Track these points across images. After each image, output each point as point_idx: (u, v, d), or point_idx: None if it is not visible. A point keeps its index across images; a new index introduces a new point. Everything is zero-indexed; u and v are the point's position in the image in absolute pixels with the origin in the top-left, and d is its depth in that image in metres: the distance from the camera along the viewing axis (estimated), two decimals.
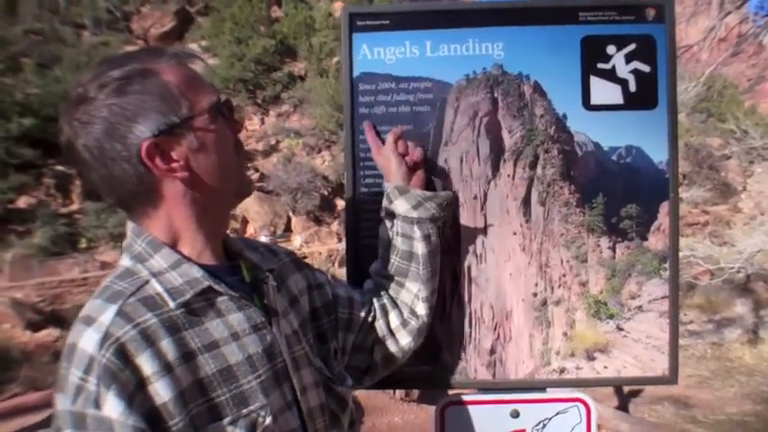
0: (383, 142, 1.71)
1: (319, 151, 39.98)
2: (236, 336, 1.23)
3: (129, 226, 1.27)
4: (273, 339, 1.29)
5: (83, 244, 34.12)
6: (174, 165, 1.22)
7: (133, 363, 1.07)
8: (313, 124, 41.07)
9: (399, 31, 1.79)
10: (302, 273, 1.55)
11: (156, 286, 1.18)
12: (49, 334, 24.14)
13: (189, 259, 1.25)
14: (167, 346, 1.12)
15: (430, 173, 1.75)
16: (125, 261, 1.24)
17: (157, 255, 1.22)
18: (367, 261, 1.75)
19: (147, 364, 1.08)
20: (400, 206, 1.61)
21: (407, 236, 1.62)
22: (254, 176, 34.54)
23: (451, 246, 1.77)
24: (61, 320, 25.13)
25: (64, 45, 49.19)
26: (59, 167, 38.03)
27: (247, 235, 34.20)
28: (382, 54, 1.79)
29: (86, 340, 1.08)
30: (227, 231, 1.42)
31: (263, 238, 28.80)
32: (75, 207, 36.68)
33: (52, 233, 33.24)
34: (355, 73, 1.80)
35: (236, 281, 1.32)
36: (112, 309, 1.12)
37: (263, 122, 43.39)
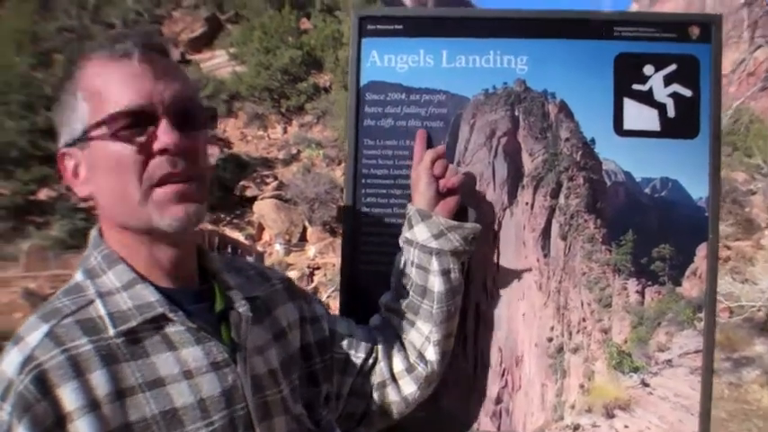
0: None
1: (339, 163, 39.94)
2: (188, 374, 1.05)
3: (92, 233, 1.16)
4: (236, 380, 1.10)
5: None
6: (77, 181, 1.11)
7: (53, 394, 0.94)
8: (335, 136, 41.08)
9: (413, 37, 1.61)
10: (296, 303, 1.36)
11: (99, 308, 1.04)
12: None
13: (145, 279, 1.09)
14: (99, 378, 0.97)
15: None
16: (77, 275, 1.11)
17: (111, 271, 1.09)
18: (364, 290, 1.57)
19: (70, 397, 0.94)
20: (420, 233, 1.41)
21: (424, 268, 1.41)
22: (273, 184, 34.67)
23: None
24: None
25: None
26: None
27: (262, 242, 34.17)
28: (393, 62, 1.62)
29: (8, 361, 0.97)
30: (207, 247, 1.25)
31: (278, 247, 28.75)
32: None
33: (70, 226, 33.39)
34: (363, 81, 1.62)
35: (203, 308, 1.15)
36: (43, 329, 0.99)
37: (285, 131, 43.54)
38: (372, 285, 1.57)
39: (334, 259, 29.50)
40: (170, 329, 1.06)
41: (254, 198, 38.09)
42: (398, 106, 1.60)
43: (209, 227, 34.11)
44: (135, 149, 1.04)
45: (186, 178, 1.07)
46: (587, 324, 1.57)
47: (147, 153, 1.04)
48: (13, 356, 0.97)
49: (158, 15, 56.82)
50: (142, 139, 1.04)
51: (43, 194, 35.55)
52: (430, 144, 1.58)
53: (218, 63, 52.88)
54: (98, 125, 1.04)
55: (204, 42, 57.11)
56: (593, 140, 1.58)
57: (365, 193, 1.61)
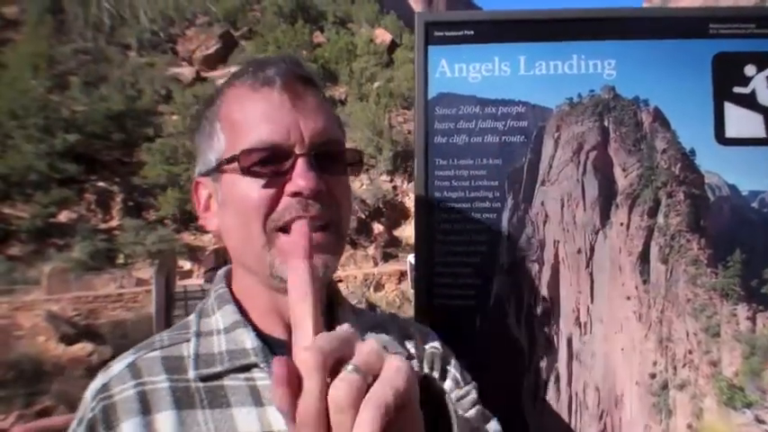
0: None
1: (357, 174, 39.92)
2: None
3: (220, 270, 1.10)
4: None
5: (120, 260, 34.46)
6: (207, 213, 1.04)
7: (116, 428, 0.89)
8: (353, 148, 41.10)
9: (486, 43, 1.46)
10: (435, 373, 1.13)
11: (190, 348, 0.98)
12: (82, 348, 24.27)
13: (251, 324, 1.00)
14: (166, 419, 0.90)
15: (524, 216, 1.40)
16: (194, 312, 1.07)
17: (219, 311, 1.03)
18: (442, 326, 1.41)
19: None
20: None
21: None
22: None
23: (548, 311, 1.41)
24: (95, 335, 25.27)
25: (110, 65, 50.21)
26: (101, 183, 38.64)
27: None
28: (465, 71, 1.46)
29: (93, 385, 0.95)
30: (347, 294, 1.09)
31: None
32: (114, 223, 37.16)
33: (91, 248, 33.67)
34: (431, 93, 1.47)
35: None
36: (128, 359, 0.97)
37: None
38: (450, 322, 1.41)
39: (356, 271, 29.41)
40: (261, 382, 0.95)
41: None
42: (472, 120, 1.45)
43: None
44: (265, 189, 0.95)
45: (318, 226, 0.95)
46: (694, 357, 1.40)
47: (278, 194, 0.95)
48: (97, 381, 0.96)
49: (173, 34, 57.33)
50: (275, 178, 0.95)
51: (63, 216, 35.81)
52: (511, 160, 1.42)
53: None
54: (231, 160, 0.96)
55: (218, 59, 57.56)
56: (692, 151, 1.42)
57: (439, 219, 1.45)
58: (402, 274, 29.22)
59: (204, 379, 0.94)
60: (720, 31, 1.43)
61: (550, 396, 1.42)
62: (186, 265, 33.37)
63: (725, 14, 1.44)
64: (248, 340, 0.97)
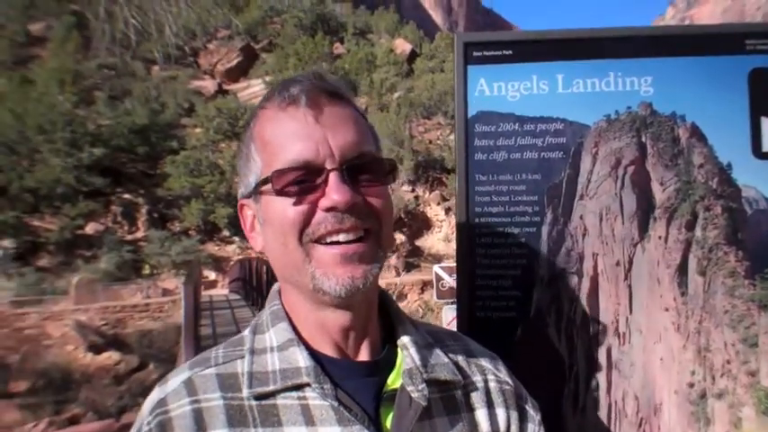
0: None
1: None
2: None
3: (274, 287, 1.10)
4: None
5: (146, 270, 34.77)
6: (253, 233, 1.05)
7: None
8: None
9: (525, 62, 1.50)
10: (509, 412, 1.11)
11: (245, 365, 0.98)
12: (109, 357, 24.51)
13: (304, 342, 1.00)
14: None
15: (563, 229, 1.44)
16: (247, 328, 1.07)
17: (273, 329, 1.02)
18: (483, 337, 1.45)
19: None
20: None
21: None
22: None
23: (588, 322, 1.45)
24: (122, 344, 25.53)
25: (134, 79, 50.79)
26: (126, 196, 39.09)
27: None
28: (504, 90, 1.50)
29: (149, 399, 0.97)
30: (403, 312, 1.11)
31: None
32: (140, 234, 37.54)
33: (117, 259, 34.04)
34: (471, 112, 1.51)
35: (370, 384, 1.00)
36: (184, 375, 0.98)
37: None
38: (491, 333, 1.45)
39: (379, 281, 29.39)
40: (314, 402, 0.95)
41: None
42: (512, 137, 1.49)
43: (254, 253, 34.32)
44: (299, 206, 0.96)
45: (356, 235, 0.96)
46: (732, 366, 1.43)
47: (312, 209, 0.96)
48: (153, 396, 0.97)
49: (195, 48, 57.83)
50: (308, 195, 0.96)
51: (90, 228, 36.22)
52: (550, 176, 1.46)
53: (254, 92, 53.50)
54: (266, 181, 0.97)
55: (240, 72, 58.00)
56: (729, 165, 1.45)
57: (480, 233, 1.49)
58: (425, 284, 29.21)
59: (258, 397, 0.95)
60: (758, 46, 1.46)
61: (590, 405, 1.45)
62: (211, 275, 33.63)
63: (761, 30, 1.48)
64: (301, 359, 0.97)
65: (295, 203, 0.95)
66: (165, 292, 30.83)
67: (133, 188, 39.80)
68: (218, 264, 35.39)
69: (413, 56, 58.67)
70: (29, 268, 33.44)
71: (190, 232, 37.31)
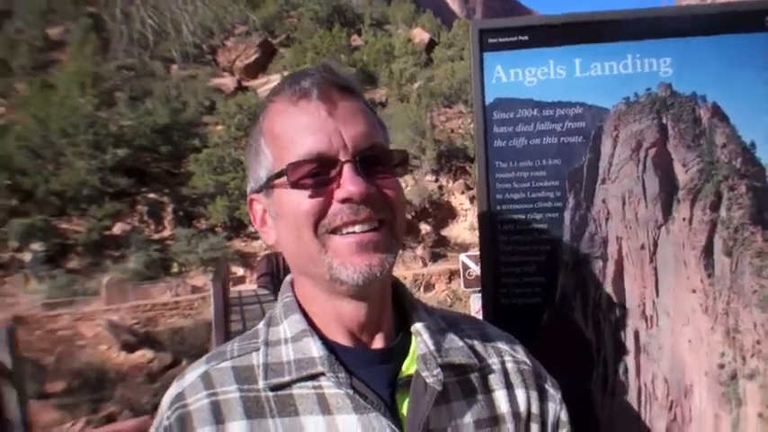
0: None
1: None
2: None
3: (286, 279, 1.11)
4: None
5: (174, 268, 35.07)
6: (264, 228, 1.07)
7: None
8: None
9: (541, 47, 1.49)
10: (529, 392, 1.11)
11: (260, 357, 1.00)
12: (143, 355, 24.79)
13: (318, 332, 1.01)
14: (237, 428, 0.94)
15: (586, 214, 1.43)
16: (262, 320, 1.08)
17: (286, 320, 1.03)
18: (508, 325, 1.45)
19: None
20: None
21: None
22: None
23: (614, 305, 1.44)
24: (154, 342, 25.81)
25: (154, 79, 51.11)
26: (152, 195, 39.45)
27: None
28: (521, 76, 1.50)
29: (168, 394, 1.00)
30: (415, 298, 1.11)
31: None
32: (167, 233, 37.87)
33: (146, 258, 34.37)
34: (488, 99, 1.51)
35: (385, 371, 1.01)
36: (201, 369, 1.00)
37: None
38: (516, 320, 1.45)
39: (406, 272, 29.43)
40: (329, 390, 0.96)
41: None
42: (531, 123, 1.48)
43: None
44: (314, 198, 0.96)
45: (371, 226, 0.97)
46: (762, 347, 1.42)
47: (327, 201, 0.96)
48: (171, 391, 0.99)
49: (213, 46, 58.04)
50: (323, 187, 0.96)
51: (118, 229, 36.59)
52: (570, 161, 1.45)
53: (273, 87, 53.46)
54: (279, 175, 0.98)
55: (259, 68, 58.11)
56: (752, 144, 1.43)
57: (502, 220, 1.49)
58: (452, 274, 29.16)
59: (273, 388, 0.96)
60: None
61: (619, 388, 1.44)
62: (239, 271, 33.84)
63: None
64: (315, 349, 0.98)
65: (310, 196, 0.96)
66: (195, 290, 31.08)
67: (158, 187, 40.12)
68: (245, 259, 35.57)
69: (431, 45, 58.36)
70: (59, 270, 33.89)
71: (216, 229, 37.56)
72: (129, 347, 25.15)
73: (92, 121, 37.84)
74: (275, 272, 23.17)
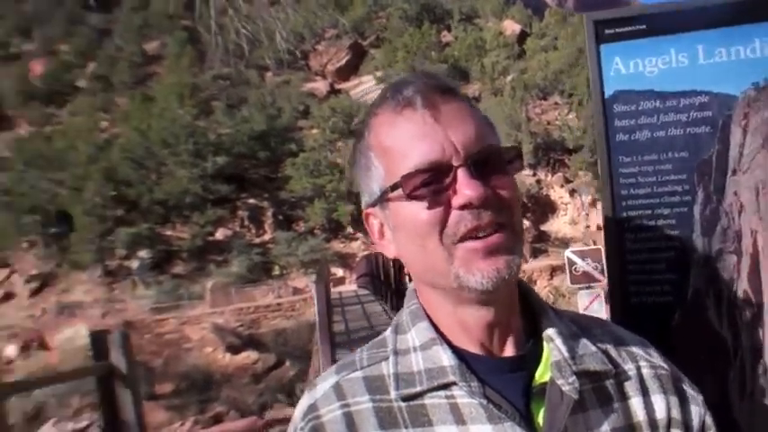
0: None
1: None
2: None
3: (410, 286, 1.09)
4: None
5: (276, 271, 35.96)
6: (383, 241, 1.04)
7: None
8: None
9: (660, 36, 1.43)
10: (668, 397, 1.06)
11: (389, 366, 0.99)
12: (247, 357, 25.49)
13: (446, 341, 0.99)
14: None
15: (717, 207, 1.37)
16: (388, 329, 1.07)
17: (414, 328, 1.02)
18: (637, 325, 1.40)
19: None
20: None
21: None
22: None
23: (751, 302, 1.37)
24: (258, 344, 26.50)
25: (249, 87, 52.48)
26: (251, 200, 40.58)
27: None
28: (641, 66, 1.45)
29: (300, 406, 1.00)
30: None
31: None
32: (267, 237, 38.89)
33: (248, 262, 35.38)
34: (608, 92, 1.46)
35: (517, 379, 0.99)
36: (332, 380, 1.00)
37: None
38: (646, 320, 1.40)
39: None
40: (462, 400, 0.94)
41: None
42: (654, 115, 1.43)
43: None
44: (432, 208, 0.94)
45: (494, 229, 0.94)
46: None
47: (446, 209, 0.94)
48: (303, 402, 0.99)
49: (305, 51, 59.04)
50: (440, 196, 0.94)
51: (220, 234, 37.82)
52: (698, 152, 1.39)
53: (366, 88, 54.08)
54: (393, 188, 0.96)
55: (350, 70, 58.80)
56: None
57: (627, 217, 1.44)
58: (554, 270, 28.60)
59: (405, 398, 0.95)
60: None
61: (758, 390, 1.37)
62: (338, 272, 34.36)
63: None
64: (445, 358, 0.96)
65: (428, 206, 0.94)
66: (296, 291, 31.73)
67: (257, 192, 41.24)
68: (345, 260, 36.09)
69: (523, 36, 57.57)
70: (165, 276, 35.35)
71: (315, 231, 38.27)
72: (234, 349, 25.90)
73: (191, 130, 39.25)
74: (374, 272, 23.46)
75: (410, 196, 0.94)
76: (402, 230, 0.99)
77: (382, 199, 0.99)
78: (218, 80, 54.21)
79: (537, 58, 50.12)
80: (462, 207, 0.93)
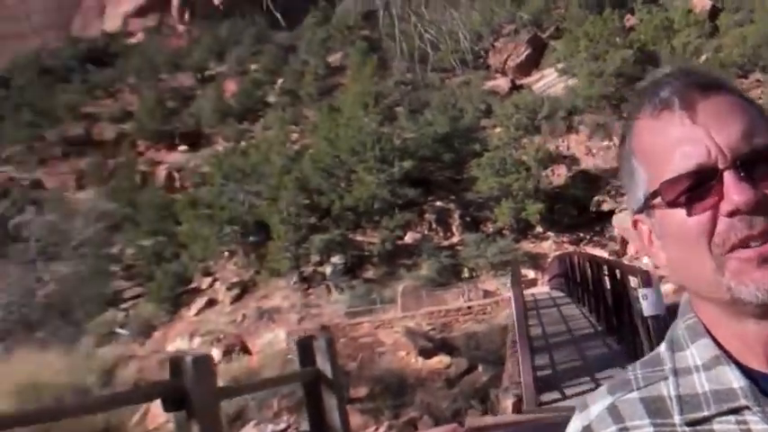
0: None
1: None
2: None
3: (683, 297, 1.00)
4: None
5: (465, 274, 35.97)
6: (651, 248, 0.96)
7: None
8: None
9: None
10: None
11: (670, 387, 0.90)
12: (440, 361, 25.51)
13: (731, 358, 0.89)
14: None
15: None
16: (662, 345, 0.98)
17: (693, 345, 0.93)
18: None
19: None
20: None
21: None
22: None
23: None
24: (450, 348, 26.43)
25: (430, 90, 53.05)
26: (438, 203, 40.91)
27: (627, 257, 32.47)
28: None
29: (572, 427, 0.94)
30: None
31: (646, 260, 27.02)
32: (455, 239, 39.06)
33: (437, 265, 35.72)
34: None
35: None
36: (606, 401, 0.93)
37: None
38: None
39: None
40: (757, 426, 0.84)
41: (612, 212, 36.77)
42: None
43: (570, 248, 33.59)
44: (698, 216, 0.87)
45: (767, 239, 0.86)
46: None
47: (713, 216, 0.86)
48: (576, 424, 0.94)
49: (483, 49, 58.81)
50: (705, 202, 0.86)
51: (409, 238, 38.47)
52: None
53: (548, 82, 53.03)
54: (653, 195, 0.91)
55: (531, 64, 57.97)
56: None
57: None
58: None
59: (691, 423, 0.87)
60: None
61: None
62: (529, 273, 33.60)
63: None
64: (733, 379, 0.87)
65: (692, 213, 0.87)
66: (486, 294, 31.45)
67: (443, 195, 41.54)
68: (535, 261, 35.39)
69: (714, 12, 53.66)
70: (358, 281, 36.41)
71: (503, 232, 37.94)
72: (427, 353, 26.02)
73: (377, 137, 40.22)
74: (568, 273, 22.44)
75: (671, 203, 0.90)
76: (668, 239, 0.93)
77: (647, 206, 0.95)
78: (400, 86, 55.31)
79: (731, 34, 46.60)
80: (731, 214, 0.86)
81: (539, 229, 38.03)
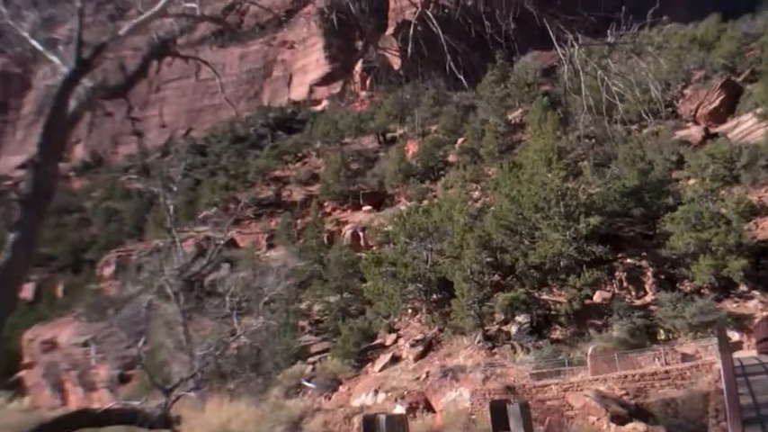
0: None
1: None
2: None
3: None
4: None
5: (661, 335, 33.66)
6: None
7: None
8: None
9: None
10: None
11: None
12: (634, 428, 23.93)
13: None
14: None
15: None
16: None
17: None
18: None
19: None
20: None
21: None
22: None
23: None
24: (646, 414, 24.69)
25: (615, 143, 51.19)
26: (629, 260, 38.80)
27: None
28: None
29: None
30: None
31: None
32: (648, 298, 36.80)
33: (629, 325, 33.71)
34: None
35: None
36: None
37: None
38: None
39: None
40: None
41: None
42: None
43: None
44: None
45: None
46: None
47: None
48: None
49: (671, 98, 56.15)
50: None
51: (598, 297, 36.67)
52: None
53: (746, 128, 49.43)
54: None
55: (725, 111, 54.48)
56: None
57: None
58: None
59: None
60: None
61: None
62: (733, 335, 30.85)
63: None
64: None
65: None
66: (685, 358, 29.23)
67: (634, 252, 39.40)
68: (740, 322, 32.40)
69: None
70: (544, 341, 35.14)
71: (702, 291, 35.19)
72: (620, 419, 24.58)
73: (561, 193, 39.18)
74: None
75: None
76: None
77: None
78: (583, 140, 53.87)
79: None
80: None
81: (743, 287, 34.89)
